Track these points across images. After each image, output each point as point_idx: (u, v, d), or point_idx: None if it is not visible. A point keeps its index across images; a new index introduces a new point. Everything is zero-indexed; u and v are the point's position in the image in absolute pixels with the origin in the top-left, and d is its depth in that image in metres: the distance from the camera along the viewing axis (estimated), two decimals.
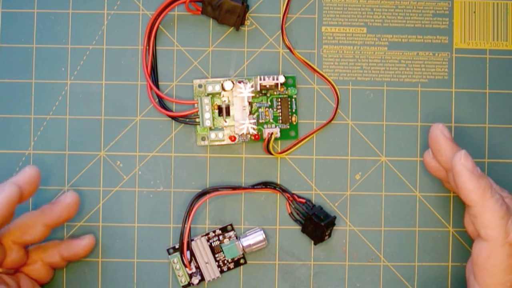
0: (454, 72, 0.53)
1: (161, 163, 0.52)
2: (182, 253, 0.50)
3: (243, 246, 0.50)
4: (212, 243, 0.51)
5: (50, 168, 0.51)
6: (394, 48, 0.53)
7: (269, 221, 0.52)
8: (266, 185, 0.52)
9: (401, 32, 0.53)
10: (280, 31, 0.52)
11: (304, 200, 0.51)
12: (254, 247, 0.50)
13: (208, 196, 0.50)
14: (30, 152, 0.52)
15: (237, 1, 0.50)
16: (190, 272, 0.51)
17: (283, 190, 0.51)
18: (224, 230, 0.51)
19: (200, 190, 0.51)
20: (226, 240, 0.51)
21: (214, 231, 0.51)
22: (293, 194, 0.51)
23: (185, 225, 0.49)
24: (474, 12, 0.53)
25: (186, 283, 0.51)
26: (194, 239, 0.51)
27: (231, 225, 0.51)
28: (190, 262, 0.50)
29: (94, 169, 0.52)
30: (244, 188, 0.51)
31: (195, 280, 0.51)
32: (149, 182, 0.52)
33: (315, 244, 0.51)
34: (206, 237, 0.51)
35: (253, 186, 0.51)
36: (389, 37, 0.53)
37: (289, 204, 0.51)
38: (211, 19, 0.52)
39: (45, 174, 0.51)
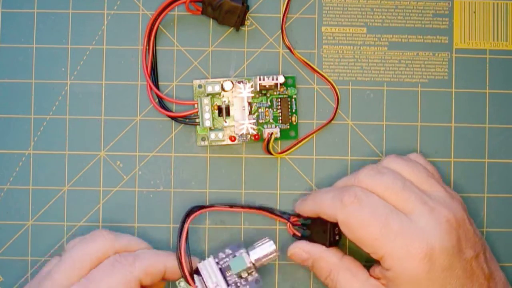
0: (454, 72, 0.53)
1: (161, 163, 0.52)
2: (185, 277, 0.46)
3: (252, 259, 0.47)
4: (222, 265, 0.47)
5: (50, 168, 0.51)
6: (394, 48, 0.53)
7: (269, 221, 0.52)
8: (263, 209, 0.51)
9: (401, 32, 0.53)
10: (280, 31, 0.52)
11: (299, 223, 0.50)
12: (264, 260, 0.47)
13: (201, 211, 0.48)
14: (30, 152, 0.52)
15: (237, 1, 0.50)
16: None
17: (281, 213, 0.51)
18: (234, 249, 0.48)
19: (193, 207, 0.49)
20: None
21: (223, 252, 0.48)
22: (290, 215, 0.51)
23: (180, 243, 0.46)
24: (474, 12, 0.53)
25: None
26: (202, 262, 0.47)
27: (242, 243, 0.48)
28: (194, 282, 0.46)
29: (94, 169, 0.52)
30: (242, 207, 0.51)
31: None
32: (149, 182, 0.52)
33: (328, 246, 0.48)
34: (216, 259, 0.47)
35: (250, 207, 0.51)
36: (389, 37, 0.53)
37: (290, 226, 0.50)
38: (211, 19, 0.52)
39: (45, 174, 0.51)
